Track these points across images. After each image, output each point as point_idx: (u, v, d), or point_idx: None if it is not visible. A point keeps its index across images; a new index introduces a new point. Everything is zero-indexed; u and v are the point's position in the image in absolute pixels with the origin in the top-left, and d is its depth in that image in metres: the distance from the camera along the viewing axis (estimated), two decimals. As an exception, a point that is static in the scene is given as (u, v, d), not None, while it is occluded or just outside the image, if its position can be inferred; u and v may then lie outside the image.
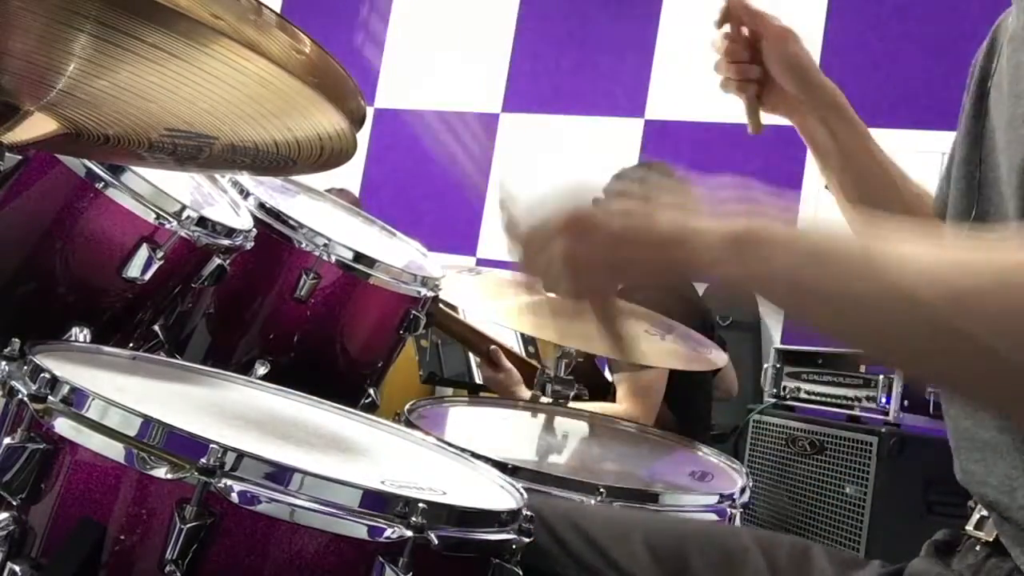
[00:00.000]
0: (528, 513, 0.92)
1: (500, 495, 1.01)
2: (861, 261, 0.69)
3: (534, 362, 2.43)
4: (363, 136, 0.83)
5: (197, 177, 1.43)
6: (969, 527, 0.91)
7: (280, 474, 0.80)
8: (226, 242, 1.29)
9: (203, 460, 0.78)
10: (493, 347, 2.25)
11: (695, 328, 2.15)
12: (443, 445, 1.17)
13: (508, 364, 2.24)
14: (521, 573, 0.87)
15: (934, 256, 0.66)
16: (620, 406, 2.35)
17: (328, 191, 1.98)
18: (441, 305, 1.88)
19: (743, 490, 1.43)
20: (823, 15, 3.95)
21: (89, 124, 0.86)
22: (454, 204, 4.72)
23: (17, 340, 0.94)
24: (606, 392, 2.46)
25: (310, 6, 5.20)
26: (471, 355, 2.33)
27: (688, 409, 2.58)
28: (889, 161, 1.26)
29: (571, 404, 1.97)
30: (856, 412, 2.88)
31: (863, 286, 0.67)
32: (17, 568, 0.80)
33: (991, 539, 0.87)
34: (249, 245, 1.35)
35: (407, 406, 1.47)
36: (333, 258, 1.48)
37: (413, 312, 1.60)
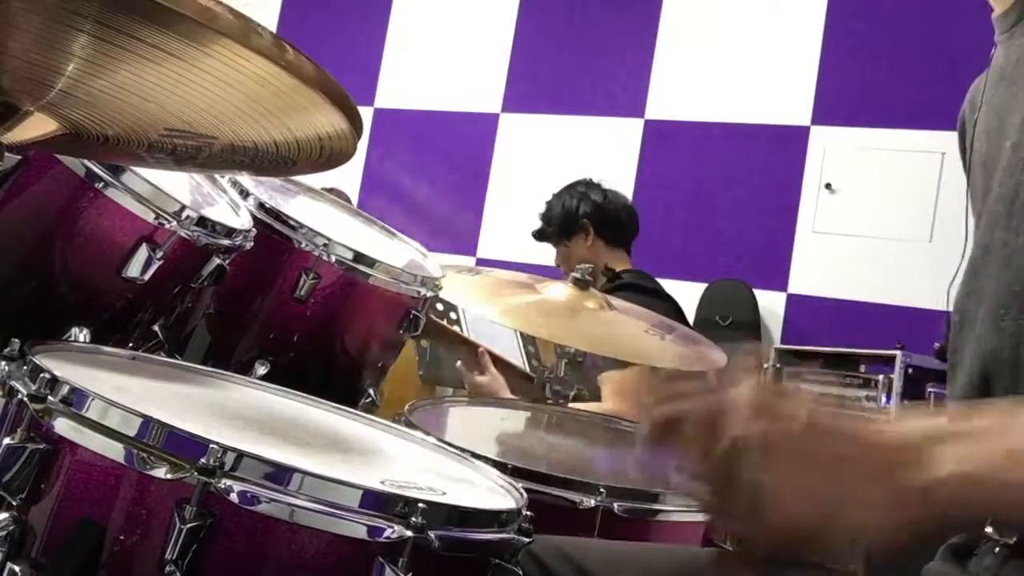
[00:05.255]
0: (528, 513, 0.92)
1: (500, 495, 1.01)
2: None
3: (528, 372, 2.43)
4: (363, 136, 0.83)
5: (197, 177, 1.43)
6: (989, 528, 0.89)
7: (280, 474, 0.80)
8: (226, 242, 1.29)
9: (203, 460, 0.78)
10: (481, 349, 2.24)
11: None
12: (443, 445, 1.17)
13: (494, 369, 2.23)
14: (521, 573, 0.87)
15: None
16: (606, 404, 2.34)
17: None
18: (432, 316, 1.87)
19: (743, 490, 1.42)
20: (823, 15, 3.95)
21: (89, 124, 0.86)
22: (454, 204, 4.72)
23: (17, 340, 0.94)
24: None
25: (311, 6, 5.20)
26: (454, 356, 2.32)
27: None
28: None
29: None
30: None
31: None
32: (17, 568, 0.80)
33: (1012, 541, 0.85)
34: (249, 245, 1.35)
35: (407, 406, 1.46)
36: (333, 258, 1.47)
37: (413, 312, 1.60)
